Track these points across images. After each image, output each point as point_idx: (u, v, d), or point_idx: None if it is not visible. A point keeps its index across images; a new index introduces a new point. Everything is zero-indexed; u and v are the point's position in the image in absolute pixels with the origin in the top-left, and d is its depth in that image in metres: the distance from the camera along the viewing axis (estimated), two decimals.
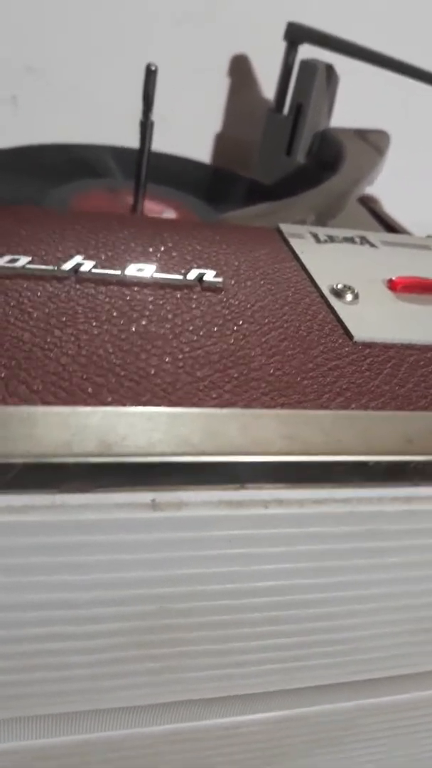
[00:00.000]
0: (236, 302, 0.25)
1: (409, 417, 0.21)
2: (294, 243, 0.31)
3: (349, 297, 0.27)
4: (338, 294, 0.27)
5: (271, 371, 0.22)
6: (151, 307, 0.24)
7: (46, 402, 0.19)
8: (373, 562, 0.22)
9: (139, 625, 0.21)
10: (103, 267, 0.25)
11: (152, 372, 0.21)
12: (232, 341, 0.23)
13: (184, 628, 0.21)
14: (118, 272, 0.25)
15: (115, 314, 0.23)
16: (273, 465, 0.19)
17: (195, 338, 0.23)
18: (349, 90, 0.49)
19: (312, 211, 0.37)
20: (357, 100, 0.51)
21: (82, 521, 0.18)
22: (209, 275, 0.26)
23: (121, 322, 0.23)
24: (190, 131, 0.56)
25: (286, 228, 0.32)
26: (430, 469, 0.20)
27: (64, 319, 0.22)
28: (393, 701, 0.27)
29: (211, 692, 0.24)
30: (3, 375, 0.19)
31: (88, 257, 0.26)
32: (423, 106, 0.59)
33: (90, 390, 0.19)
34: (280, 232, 0.32)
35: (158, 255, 0.27)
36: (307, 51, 0.47)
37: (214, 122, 0.57)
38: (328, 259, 0.30)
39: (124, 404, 0.19)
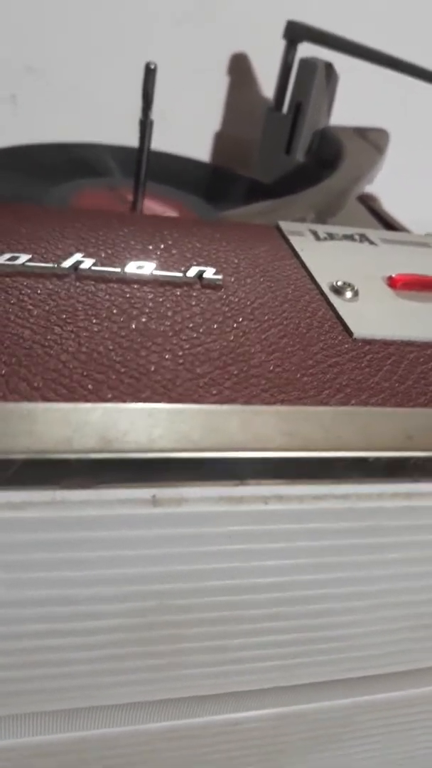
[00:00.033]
0: (236, 299, 0.25)
1: (409, 413, 0.21)
2: (294, 240, 0.31)
3: (348, 294, 0.27)
4: (338, 291, 0.27)
5: (271, 368, 0.22)
6: (150, 304, 0.24)
7: (46, 399, 0.19)
8: (372, 558, 0.22)
9: (139, 622, 0.21)
10: (103, 264, 0.25)
11: (152, 369, 0.21)
12: (232, 338, 0.23)
13: (184, 625, 0.21)
14: (118, 270, 0.25)
15: (115, 311, 0.23)
16: (273, 461, 0.19)
17: (195, 335, 0.23)
18: (348, 88, 0.49)
19: (312, 210, 0.37)
20: (356, 99, 0.51)
21: (83, 517, 0.18)
22: (209, 272, 0.26)
23: (121, 319, 0.23)
24: (190, 130, 0.56)
25: (285, 226, 0.32)
26: (430, 465, 0.20)
27: (64, 316, 0.22)
28: (390, 698, 0.27)
29: (210, 689, 0.24)
30: (3, 372, 0.19)
31: (88, 255, 0.26)
32: (422, 104, 0.60)
33: (90, 387, 0.19)
34: (279, 229, 0.32)
35: (158, 252, 0.27)
36: (306, 49, 0.47)
37: (214, 121, 0.57)
38: (327, 257, 0.30)
39: (124, 401, 0.19)
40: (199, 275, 0.26)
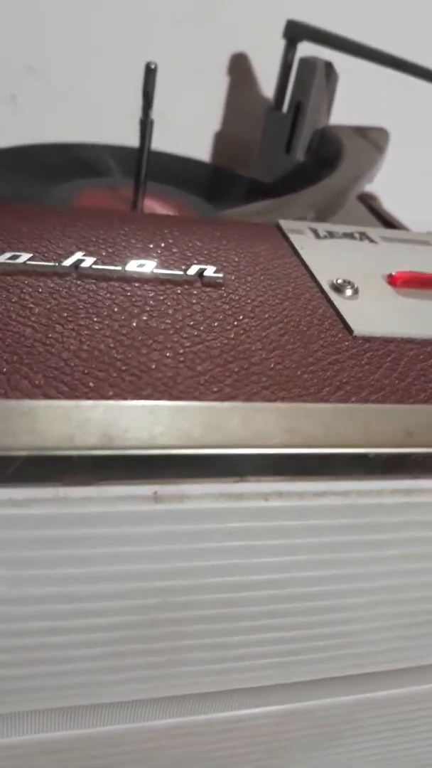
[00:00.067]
0: (236, 297, 0.26)
1: (409, 410, 0.21)
2: (294, 239, 0.31)
3: (348, 292, 0.27)
4: (338, 289, 0.27)
5: (272, 365, 0.22)
6: (151, 302, 0.24)
7: (48, 396, 0.19)
8: (373, 554, 0.22)
9: (141, 619, 0.21)
10: (103, 263, 0.25)
11: (153, 366, 0.21)
12: (233, 336, 0.23)
13: (185, 622, 0.21)
14: (119, 268, 0.25)
15: (116, 310, 0.23)
16: (273, 457, 0.19)
17: (196, 333, 0.23)
18: (348, 87, 0.49)
19: (311, 208, 0.37)
20: (356, 98, 0.52)
21: (84, 514, 0.18)
22: (209, 271, 0.26)
23: (122, 317, 0.23)
24: (190, 130, 0.56)
25: (285, 224, 0.32)
26: (430, 462, 0.20)
27: (65, 314, 0.22)
28: (392, 695, 0.27)
29: (212, 686, 0.24)
30: (5, 370, 0.19)
31: (88, 253, 0.26)
32: (422, 103, 0.60)
33: (91, 384, 0.20)
34: (279, 228, 0.32)
35: (159, 251, 0.28)
36: (306, 49, 0.47)
37: (214, 120, 0.57)
38: (327, 255, 0.30)
39: (125, 398, 0.19)
40: (200, 273, 0.26)
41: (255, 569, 0.21)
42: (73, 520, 0.18)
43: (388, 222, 0.44)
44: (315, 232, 0.32)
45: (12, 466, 0.17)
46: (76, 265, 0.25)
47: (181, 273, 0.26)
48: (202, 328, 0.23)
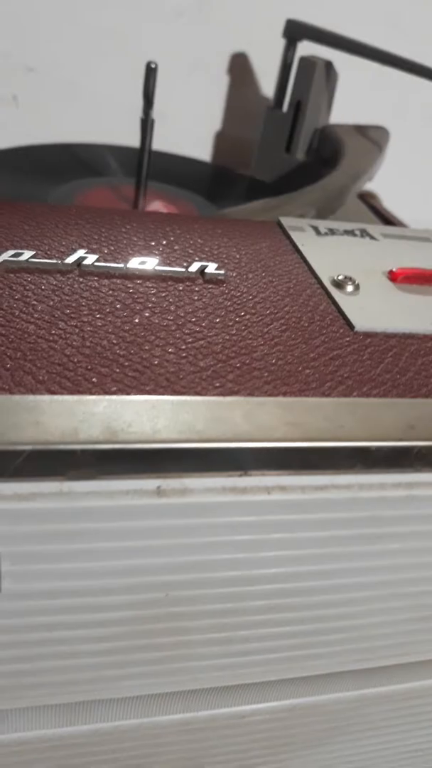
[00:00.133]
0: (238, 294, 0.26)
1: (410, 404, 0.21)
2: (295, 236, 0.31)
3: (349, 288, 0.27)
4: (339, 285, 0.27)
5: (273, 361, 0.22)
6: (153, 299, 0.24)
7: (51, 392, 0.19)
8: (375, 548, 0.22)
9: (146, 614, 0.21)
10: (105, 260, 0.26)
11: (156, 362, 0.21)
12: (235, 332, 0.23)
13: (190, 616, 0.22)
14: (121, 265, 0.25)
15: (118, 306, 0.23)
16: (276, 451, 0.19)
17: (197, 329, 0.23)
18: (348, 86, 0.50)
19: (312, 207, 0.37)
20: (356, 97, 0.52)
21: (88, 508, 0.18)
22: (211, 268, 0.26)
23: (125, 314, 0.23)
24: (190, 129, 0.56)
25: (286, 221, 0.32)
26: None
27: (68, 311, 0.22)
28: (398, 690, 0.27)
29: (216, 681, 0.24)
30: (9, 366, 0.20)
31: (91, 251, 0.26)
32: (423, 102, 0.60)
33: (95, 380, 0.20)
34: (280, 225, 0.32)
35: (160, 248, 0.28)
36: (306, 48, 0.48)
37: (214, 120, 0.57)
38: (328, 252, 0.30)
39: (128, 393, 0.19)
40: (202, 270, 0.26)
41: (258, 563, 0.21)
42: (77, 514, 0.18)
43: (387, 220, 0.44)
44: (316, 229, 0.32)
45: (17, 460, 0.17)
46: (79, 262, 0.25)
47: (182, 270, 0.26)
48: (204, 325, 0.23)
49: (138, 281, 0.25)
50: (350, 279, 0.27)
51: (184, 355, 0.22)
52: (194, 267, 0.26)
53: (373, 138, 0.48)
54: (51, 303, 0.23)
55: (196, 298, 0.25)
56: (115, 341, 0.21)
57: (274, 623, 0.23)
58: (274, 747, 0.28)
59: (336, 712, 0.27)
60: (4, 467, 0.17)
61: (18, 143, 0.46)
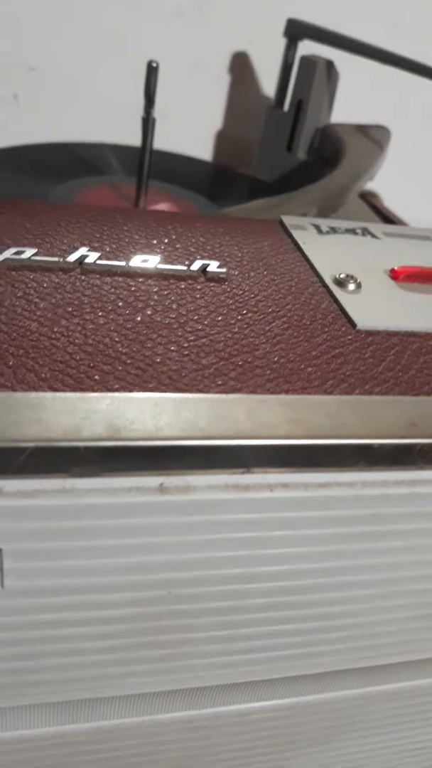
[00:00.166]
0: (240, 292, 0.26)
1: (412, 401, 0.21)
2: (296, 234, 0.31)
3: (351, 286, 0.27)
4: (341, 283, 0.27)
5: (276, 359, 0.22)
6: (155, 297, 0.24)
7: (54, 389, 0.19)
8: (378, 545, 0.22)
9: (149, 611, 0.21)
10: (107, 258, 0.26)
11: (158, 360, 0.21)
12: (237, 330, 0.23)
13: (192, 614, 0.22)
14: (123, 263, 0.25)
15: (120, 304, 0.23)
16: (279, 448, 0.19)
17: (200, 327, 0.23)
18: (349, 85, 0.50)
19: (313, 206, 0.37)
20: (357, 96, 0.52)
21: (91, 505, 0.18)
22: (213, 266, 0.26)
23: (127, 312, 0.23)
24: (191, 129, 0.56)
25: (288, 220, 0.32)
26: None
27: (70, 309, 0.22)
28: (402, 688, 0.27)
29: (219, 679, 0.24)
30: (11, 363, 0.20)
31: (92, 249, 0.26)
32: (424, 101, 0.60)
33: (97, 377, 0.20)
34: (282, 224, 0.32)
35: (162, 247, 0.28)
36: (307, 47, 0.48)
37: (215, 119, 0.57)
38: (330, 250, 0.30)
39: (131, 391, 0.19)
40: (203, 269, 0.26)
41: (261, 560, 0.21)
42: (80, 511, 0.18)
43: (388, 219, 0.44)
44: (317, 227, 0.32)
45: (20, 458, 0.17)
46: (81, 260, 0.25)
47: (184, 268, 0.26)
48: (206, 323, 0.23)
49: (140, 279, 0.25)
50: (352, 277, 0.27)
51: (186, 353, 0.22)
52: (196, 265, 0.26)
53: (374, 137, 0.48)
54: (53, 301, 0.23)
55: (198, 296, 0.25)
56: (117, 339, 0.22)
57: (277, 621, 0.23)
58: (278, 745, 0.28)
59: (340, 710, 0.27)
60: (7, 464, 0.17)
61: (19, 142, 0.46)
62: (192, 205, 0.43)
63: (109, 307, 0.23)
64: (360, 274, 0.28)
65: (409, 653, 0.26)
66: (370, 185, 0.46)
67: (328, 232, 0.32)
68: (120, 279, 0.25)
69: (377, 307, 0.26)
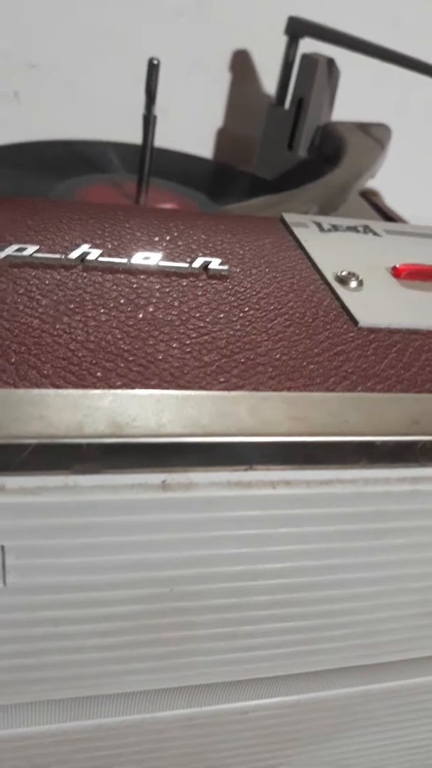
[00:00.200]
0: (242, 289, 0.26)
1: (414, 399, 0.21)
2: (298, 232, 0.31)
3: (353, 284, 0.27)
4: (342, 281, 0.27)
5: (278, 356, 0.22)
6: (157, 294, 0.24)
7: (56, 386, 0.19)
8: (380, 542, 0.22)
9: (151, 608, 0.21)
10: (109, 255, 0.26)
11: (160, 357, 0.21)
12: (239, 327, 0.23)
13: (194, 611, 0.22)
14: (125, 260, 0.25)
15: (122, 301, 0.23)
16: (281, 445, 0.19)
17: (202, 324, 0.23)
18: (350, 83, 0.50)
19: (314, 204, 0.37)
20: (358, 94, 0.52)
21: (94, 502, 0.18)
22: (215, 263, 0.26)
23: (129, 309, 0.23)
24: (192, 126, 0.56)
25: (289, 217, 0.32)
26: None
27: (72, 306, 0.22)
28: (403, 685, 0.27)
29: (221, 676, 0.24)
30: (13, 360, 0.20)
31: (94, 246, 0.26)
32: (425, 99, 0.60)
33: (99, 374, 0.20)
34: (283, 221, 0.32)
35: (164, 244, 0.28)
36: (308, 45, 0.48)
37: (216, 117, 0.57)
38: (332, 248, 0.30)
39: (133, 388, 0.19)
40: (205, 266, 0.26)
41: (263, 557, 0.21)
42: (83, 508, 0.18)
43: (389, 217, 0.44)
44: (319, 225, 0.32)
45: (22, 454, 0.17)
46: (82, 257, 0.25)
47: (186, 265, 0.26)
48: (208, 320, 0.23)
49: (142, 276, 0.25)
50: (354, 275, 0.27)
51: (188, 350, 0.22)
52: (198, 262, 0.26)
53: (375, 135, 0.48)
54: (55, 298, 0.23)
55: (199, 293, 0.25)
56: (119, 336, 0.21)
57: (278, 618, 0.23)
58: (280, 743, 0.28)
59: (342, 708, 0.27)
60: (10, 461, 0.17)
61: (19, 140, 0.46)
62: (193, 203, 0.43)
63: (111, 304, 0.23)
64: (362, 272, 0.28)
65: (410, 651, 0.26)
66: (371, 183, 0.46)
67: (329, 230, 0.32)
68: (122, 276, 0.25)
69: (379, 305, 0.26)
